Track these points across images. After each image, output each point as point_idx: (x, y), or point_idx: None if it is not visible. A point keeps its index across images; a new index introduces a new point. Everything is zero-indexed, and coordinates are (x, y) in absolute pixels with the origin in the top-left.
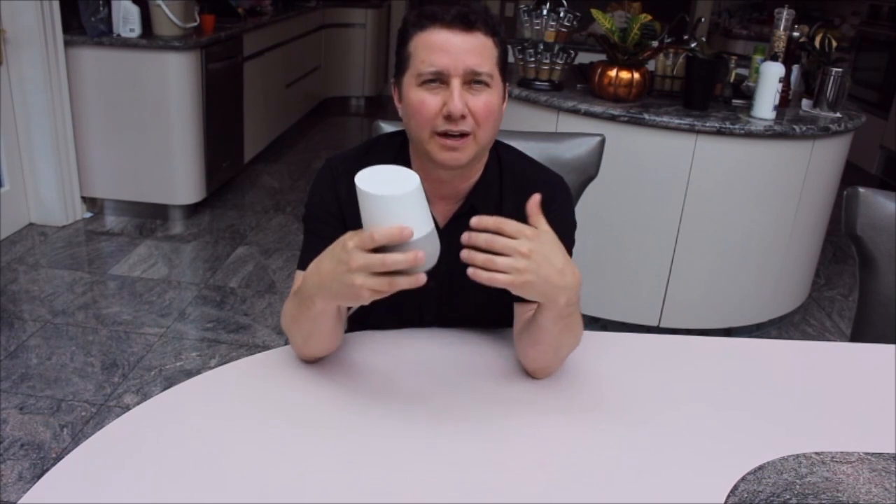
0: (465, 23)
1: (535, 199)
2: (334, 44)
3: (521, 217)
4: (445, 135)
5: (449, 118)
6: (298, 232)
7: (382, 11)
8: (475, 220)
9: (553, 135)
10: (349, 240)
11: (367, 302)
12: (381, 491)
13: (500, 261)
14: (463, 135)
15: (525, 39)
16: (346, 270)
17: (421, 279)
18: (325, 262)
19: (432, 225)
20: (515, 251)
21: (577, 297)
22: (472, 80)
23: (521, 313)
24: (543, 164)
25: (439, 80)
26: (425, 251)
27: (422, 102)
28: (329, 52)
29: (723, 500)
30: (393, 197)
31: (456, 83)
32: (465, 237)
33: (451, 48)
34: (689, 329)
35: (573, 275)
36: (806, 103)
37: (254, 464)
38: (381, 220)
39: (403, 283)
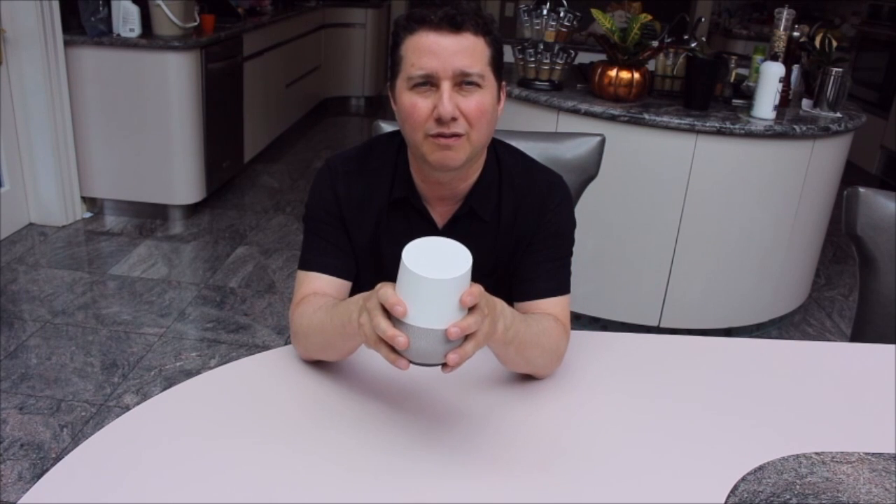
0: (453, 24)
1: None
2: (334, 44)
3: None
4: (438, 135)
5: (440, 121)
6: (298, 232)
7: (382, 11)
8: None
9: (553, 135)
10: (382, 285)
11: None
12: (381, 490)
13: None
14: (455, 135)
15: (525, 39)
16: (363, 301)
17: (399, 363)
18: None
19: (442, 326)
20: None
21: (511, 317)
22: (463, 82)
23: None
24: (543, 164)
25: (429, 83)
26: (410, 341)
27: (413, 106)
28: (329, 52)
29: (723, 500)
30: (414, 274)
31: (446, 86)
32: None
33: (440, 50)
34: (689, 329)
35: (497, 303)
36: (806, 103)
37: (253, 464)
38: (398, 286)
39: (383, 352)
